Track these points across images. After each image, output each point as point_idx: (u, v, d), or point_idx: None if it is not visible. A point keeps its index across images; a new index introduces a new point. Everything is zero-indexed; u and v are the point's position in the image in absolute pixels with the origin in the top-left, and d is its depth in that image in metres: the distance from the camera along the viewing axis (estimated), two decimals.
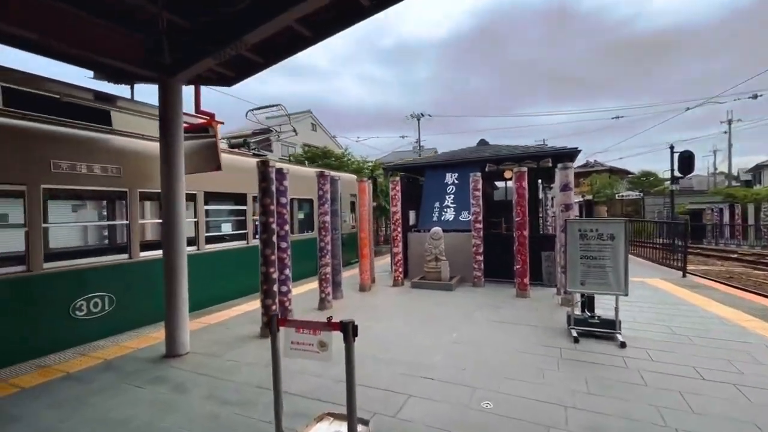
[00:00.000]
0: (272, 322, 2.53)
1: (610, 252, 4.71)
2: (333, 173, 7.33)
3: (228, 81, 5.30)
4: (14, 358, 4.40)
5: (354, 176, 12.52)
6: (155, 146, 6.22)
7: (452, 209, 9.04)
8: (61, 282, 4.95)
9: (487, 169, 8.83)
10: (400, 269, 8.31)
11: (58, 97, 5.44)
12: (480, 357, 4.26)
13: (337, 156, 24.70)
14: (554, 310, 6.17)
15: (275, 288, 5.17)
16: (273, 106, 10.63)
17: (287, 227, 5.82)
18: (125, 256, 5.73)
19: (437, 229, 8.28)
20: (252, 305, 6.64)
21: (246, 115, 10.71)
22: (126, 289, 5.62)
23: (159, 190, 6.37)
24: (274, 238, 5.14)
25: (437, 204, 9.29)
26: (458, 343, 4.71)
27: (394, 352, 4.47)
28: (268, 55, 4.84)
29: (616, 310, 4.67)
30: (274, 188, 5.16)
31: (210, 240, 7.37)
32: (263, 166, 5.07)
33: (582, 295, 5.11)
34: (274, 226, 5.13)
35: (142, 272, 5.83)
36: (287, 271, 5.84)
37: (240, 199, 8.02)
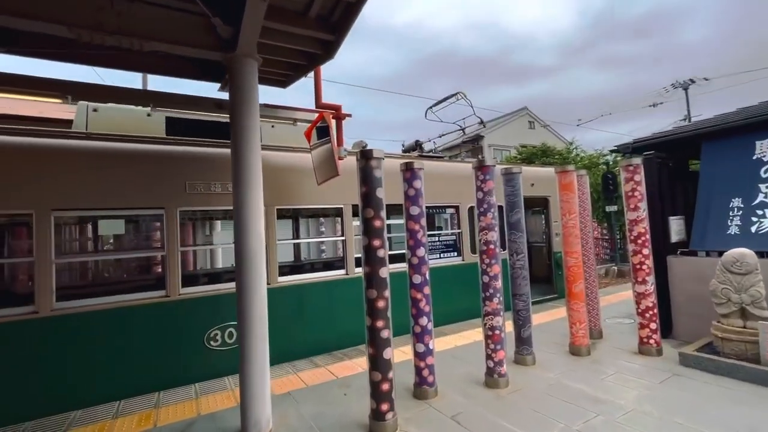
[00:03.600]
0: None
1: None
2: (510, 166, 4.72)
3: (330, 48, 3.83)
4: (150, 386, 4.27)
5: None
6: (298, 157, 5.61)
7: None
8: (198, 308, 4.68)
9: None
10: (653, 324, 4.55)
11: (212, 119, 5.49)
12: None
13: (561, 152, 20.18)
14: None
15: (388, 354, 3.18)
16: (452, 96, 8.87)
17: (422, 251, 3.75)
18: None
19: (742, 251, 4.11)
20: (408, 351, 4.83)
21: (425, 114, 9.37)
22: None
23: (299, 206, 5.82)
24: (383, 273, 3.18)
25: (736, 202, 4.85)
26: None
27: None
28: None
29: None
30: (381, 195, 3.23)
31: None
32: (364, 160, 3.23)
33: None
34: (381, 253, 3.18)
35: (280, 298, 5.10)
36: (424, 321, 3.74)
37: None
